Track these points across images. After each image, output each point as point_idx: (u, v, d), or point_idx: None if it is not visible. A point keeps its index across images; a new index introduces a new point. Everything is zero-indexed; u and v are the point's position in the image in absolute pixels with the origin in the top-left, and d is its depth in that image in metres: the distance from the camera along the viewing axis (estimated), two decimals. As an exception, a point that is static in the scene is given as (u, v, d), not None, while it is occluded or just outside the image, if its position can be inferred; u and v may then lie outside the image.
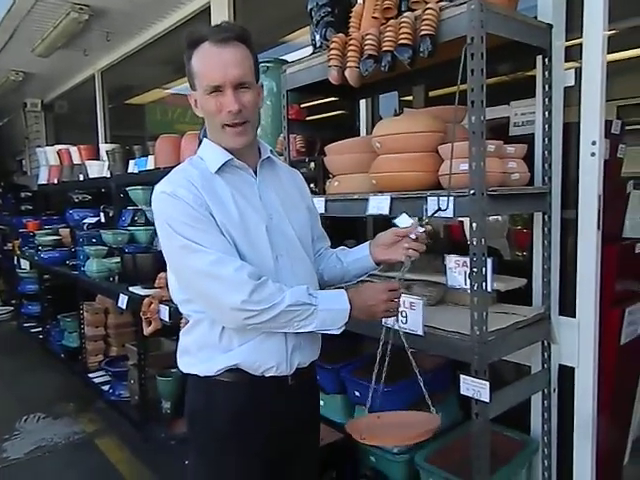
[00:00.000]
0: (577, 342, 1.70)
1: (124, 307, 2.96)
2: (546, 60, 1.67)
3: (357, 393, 1.90)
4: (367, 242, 1.41)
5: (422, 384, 1.30)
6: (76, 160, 4.66)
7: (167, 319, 2.48)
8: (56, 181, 4.96)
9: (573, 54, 1.68)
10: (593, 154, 1.62)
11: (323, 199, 1.86)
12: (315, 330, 1.17)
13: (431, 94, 2.59)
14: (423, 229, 1.28)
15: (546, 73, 1.68)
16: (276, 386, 1.24)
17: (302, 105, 2.65)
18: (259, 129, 2.50)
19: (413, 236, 1.28)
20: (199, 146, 1.30)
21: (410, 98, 2.67)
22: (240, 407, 1.23)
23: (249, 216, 1.21)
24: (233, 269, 1.12)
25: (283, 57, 2.51)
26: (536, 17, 1.68)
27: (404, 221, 1.34)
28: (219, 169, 1.22)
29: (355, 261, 1.40)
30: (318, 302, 1.15)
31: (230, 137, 1.20)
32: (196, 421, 1.29)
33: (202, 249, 1.12)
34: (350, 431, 1.25)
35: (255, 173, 1.27)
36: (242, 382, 1.22)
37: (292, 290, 1.15)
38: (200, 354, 1.25)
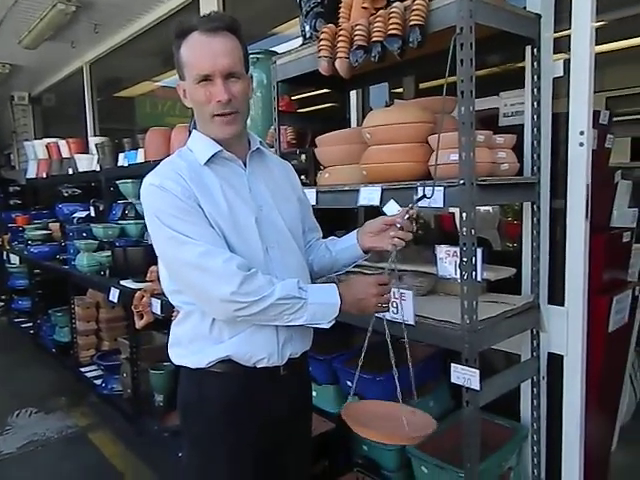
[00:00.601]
0: (566, 330, 1.73)
1: (116, 301, 2.95)
2: (535, 51, 1.68)
3: (349, 383, 1.91)
4: (355, 230, 1.40)
5: (411, 374, 1.31)
6: (65, 154, 4.62)
7: (159, 312, 2.48)
8: (45, 175, 4.91)
9: (562, 45, 1.69)
10: (581, 144, 1.64)
11: (314, 190, 1.87)
12: (305, 324, 1.17)
13: (421, 86, 2.59)
14: (407, 215, 1.28)
15: (535, 64, 1.69)
16: (268, 377, 1.25)
17: (293, 97, 2.64)
18: (249, 121, 2.50)
19: (399, 225, 1.27)
20: (189, 137, 1.29)
21: (400, 90, 2.67)
22: (232, 398, 1.24)
23: (238, 208, 1.21)
24: (222, 260, 1.12)
25: (273, 48, 2.50)
26: (525, 7, 1.68)
27: (392, 208, 1.34)
28: (208, 161, 1.21)
29: (343, 250, 1.40)
30: (308, 296, 1.15)
31: (219, 127, 1.20)
32: (189, 413, 1.29)
33: (190, 241, 1.12)
34: (345, 417, 1.23)
35: (245, 164, 1.27)
36: (234, 373, 1.22)
37: (282, 283, 1.15)
38: (191, 346, 1.25)
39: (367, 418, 1.25)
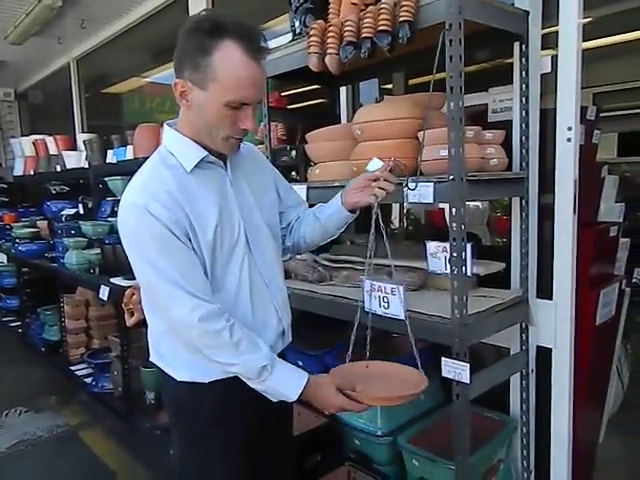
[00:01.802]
0: (554, 324, 1.75)
1: (105, 299, 2.93)
2: (523, 47, 1.69)
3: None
4: (339, 193, 1.39)
5: (417, 357, 1.31)
6: (52, 151, 4.57)
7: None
8: (32, 172, 4.86)
9: (550, 41, 1.71)
10: (569, 139, 1.65)
11: (305, 186, 1.87)
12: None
13: (411, 82, 2.60)
14: (389, 168, 1.29)
15: (523, 60, 1.70)
16: None
17: (283, 93, 2.64)
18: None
19: (382, 178, 1.28)
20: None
21: (390, 85, 2.68)
22: (221, 398, 1.23)
23: (228, 217, 1.19)
24: (188, 309, 1.10)
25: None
26: (513, 4, 1.69)
27: (375, 165, 1.35)
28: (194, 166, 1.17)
29: (330, 216, 1.39)
30: (270, 379, 1.15)
31: (230, 147, 1.18)
32: (179, 411, 1.29)
33: (162, 284, 1.10)
34: (332, 376, 1.24)
35: (225, 165, 1.24)
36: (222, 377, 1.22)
37: (244, 362, 1.14)
38: (175, 362, 1.24)
39: (355, 381, 1.25)
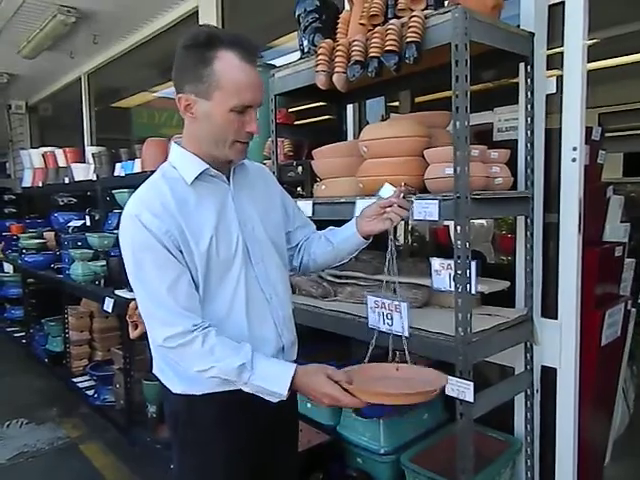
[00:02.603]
0: (559, 343, 1.74)
1: (110, 311, 2.93)
2: (528, 68, 1.71)
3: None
4: (353, 219, 1.42)
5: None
6: (61, 163, 4.62)
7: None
8: (41, 184, 4.90)
9: (555, 62, 1.73)
10: (574, 159, 1.66)
11: (311, 202, 1.88)
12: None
13: (417, 99, 2.63)
14: (402, 195, 1.32)
15: (528, 80, 1.72)
16: None
17: (290, 109, 2.67)
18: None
19: (398, 201, 1.31)
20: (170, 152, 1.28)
21: (397, 103, 2.71)
22: (222, 411, 1.23)
23: (226, 229, 1.21)
24: (159, 327, 1.14)
25: (271, 62, 2.53)
26: (519, 26, 1.72)
27: (387, 191, 1.36)
28: (195, 179, 1.20)
29: (344, 241, 1.41)
30: (250, 379, 1.13)
31: (237, 153, 1.20)
32: (177, 423, 1.28)
33: (144, 295, 1.15)
34: (348, 388, 1.13)
35: (228, 179, 1.26)
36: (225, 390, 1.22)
37: (220, 365, 1.13)
38: (170, 373, 1.25)
39: (370, 383, 1.19)
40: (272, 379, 1.14)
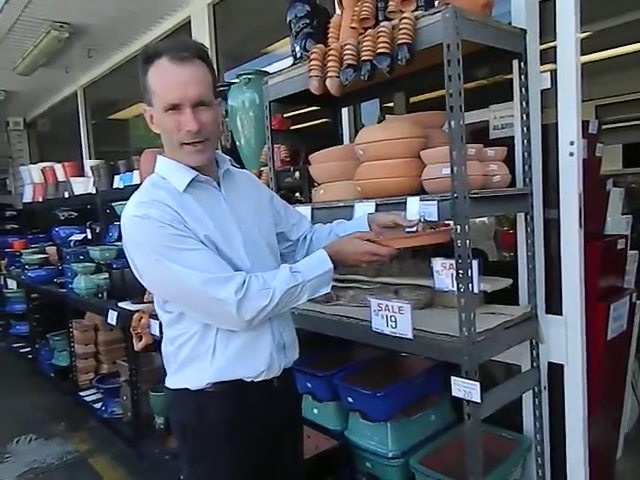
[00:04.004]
0: (565, 339, 1.73)
1: (114, 323, 2.93)
2: (522, 64, 1.70)
3: (350, 399, 1.90)
4: (363, 216, 1.43)
5: None
6: (61, 177, 4.64)
7: (158, 334, 2.47)
8: (41, 199, 4.92)
9: (548, 57, 1.72)
10: (572, 154, 1.65)
11: (309, 207, 1.88)
12: (308, 298, 1.23)
13: (412, 100, 2.63)
14: (416, 227, 1.32)
15: (522, 77, 1.71)
16: (263, 390, 1.27)
17: (285, 115, 2.67)
18: (242, 140, 2.52)
19: (413, 229, 1.31)
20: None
21: (391, 104, 2.71)
22: (229, 415, 1.25)
23: (226, 229, 1.22)
24: (223, 285, 1.13)
25: (265, 68, 2.54)
26: (510, 23, 1.71)
27: (412, 212, 1.38)
28: (187, 186, 1.21)
29: None
30: (304, 277, 1.20)
31: (189, 155, 1.20)
32: (186, 432, 1.29)
33: (188, 272, 1.12)
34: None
35: (218, 184, 1.28)
36: (231, 390, 1.24)
37: (278, 279, 1.18)
38: (191, 369, 1.26)
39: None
40: (316, 265, 1.23)
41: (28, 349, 4.88)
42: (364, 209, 1.65)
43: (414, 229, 1.31)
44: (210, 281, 1.13)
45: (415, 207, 1.41)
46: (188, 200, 1.20)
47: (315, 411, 2.09)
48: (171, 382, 1.31)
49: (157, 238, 1.13)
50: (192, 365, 1.25)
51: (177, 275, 1.13)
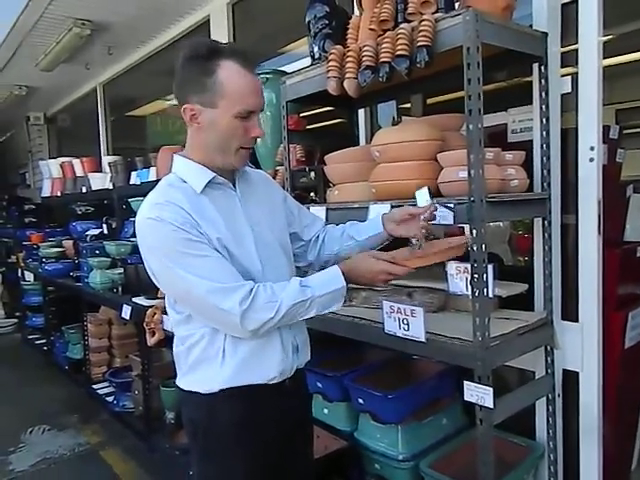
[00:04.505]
0: (581, 346, 1.70)
1: (128, 318, 2.97)
2: (542, 68, 1.68)
3: (361, 400, 1.90)
4: (377, 217, 1.43)
5: None
6: (79, 172, 4.70)
7: (170, 329, 2.49)
8: (59, 193, 4.99)
9: (569, 60, 1.70)
10: (592, 159, 1.63)
11: (324, 208, 1.88)
12: (317, 314, 1.21)
13: (429, 101, 2.61)
14: (429, 212, 1.30)
15: (542, 80, 1.69)
16: (276, 391, 1.27)
17: (301, 114, 2.67)
18: (259, 139, 2.53)
19: (427, 215, 1.29)
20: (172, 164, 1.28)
21: (408, 105, 2.69)
22: (241, 418, 1.25)
23: (238, 232, 1.23)
24: (230, 299, 1.13)
25: (282, 68, 2.54)
26: (531, 26, 1.69)
27: (422, 199, 1.36)
28: (204, 187, 1.22)
29: (370, 238, 1.43)
30: (314, 292, 1.18)
31: (242, 159, 1.23)
32: (197, 431, 1.29)
33: (197, 280, 1.12)
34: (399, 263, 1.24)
35: (234, 185, 1.28)
36: (243, 394, 1.23)
37: (286, 292, 1.17)
38: (202, 371, 1.26)
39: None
40: (328, 281, 1.21)
41: (43, 341, 4.96)
42: (379, 210, 1.64)
43: (427, 214, 1.29)
44: (216, 291, 1.13)
45: (424, 196, 1.38)
46: (204, 201, 1.21)
47: (325, 411, 2.09)
48: (182, 383, 1.31)
49: (170, 242, 1.13)
50: (202, 367, 1.25)
51: (186, 283, 1.14)
